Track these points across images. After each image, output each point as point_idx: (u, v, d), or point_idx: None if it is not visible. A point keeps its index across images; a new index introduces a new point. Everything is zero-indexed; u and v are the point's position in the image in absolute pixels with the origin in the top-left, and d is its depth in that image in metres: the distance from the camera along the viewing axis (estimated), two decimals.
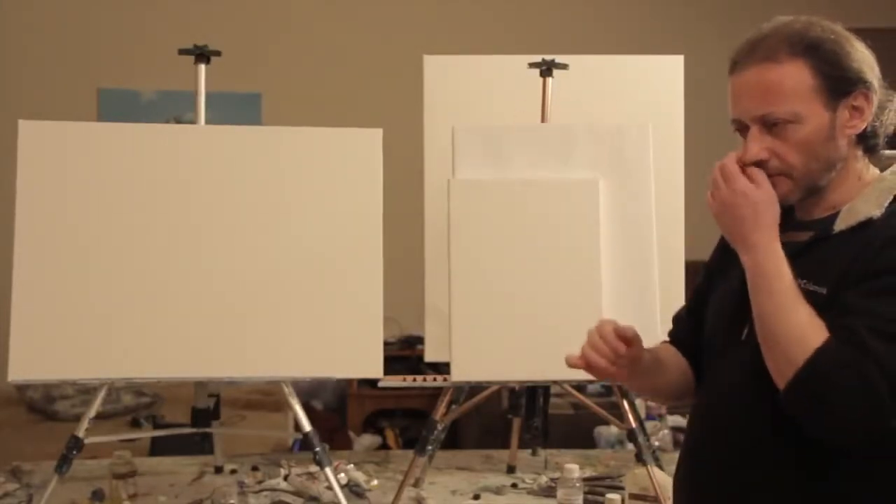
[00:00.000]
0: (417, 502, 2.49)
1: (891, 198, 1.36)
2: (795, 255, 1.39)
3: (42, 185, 2.33)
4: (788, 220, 1.47)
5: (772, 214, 1.36)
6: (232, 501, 2.41)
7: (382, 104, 4.25)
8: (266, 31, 5.19)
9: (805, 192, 1.41)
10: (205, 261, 2.36)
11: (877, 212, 1.35)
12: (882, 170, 1.42)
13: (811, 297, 1.32)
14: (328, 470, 2.33)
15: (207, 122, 2.50)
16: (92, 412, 2.31)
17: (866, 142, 1.41)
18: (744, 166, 1.38)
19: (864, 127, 1.39)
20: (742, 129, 1.41)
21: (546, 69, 2.60)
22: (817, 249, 1.38)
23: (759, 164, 1.39)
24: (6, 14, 5.02)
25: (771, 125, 1.37)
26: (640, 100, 2.70)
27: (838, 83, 1.37)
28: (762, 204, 1.35)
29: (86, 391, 3.91)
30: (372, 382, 3.74)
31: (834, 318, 1.28)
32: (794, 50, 1.37)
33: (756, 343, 1.39)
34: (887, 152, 1.44)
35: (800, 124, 1.36)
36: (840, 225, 1.37)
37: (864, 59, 1.39)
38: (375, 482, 2.58)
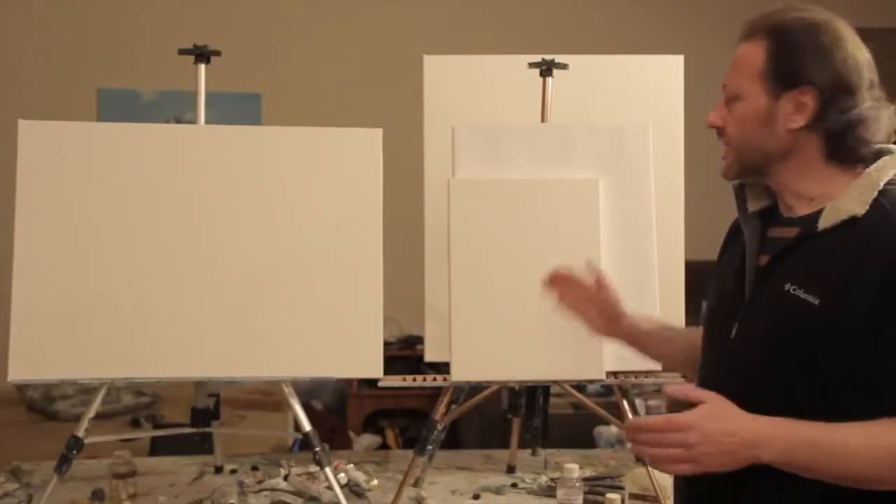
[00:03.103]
0: (417, 502, 2.49)
1: (875, 195, 1.35)
2: (783, 252, 1.39)
3: (42, 185, 2.33)
4: (774, 216, 1.47)
5: (723, 407, 1.30)
6: (232, 501, 2.41)
7: (382, 104, 4.25)
8: (266, 31, 5.20)
9: (742, 171, 1.45)
10: (204, 261, 2.36)
11: (860, 210, 1.34)
12: (866, 166, 1.40)
13: (800, 306, 1.32)
14: (328, 470, 2.33)
15: (207, 122, 2.50)
16: (92, 412, 2.31)
17: (831, 144, 1.39)
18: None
19: (802, 124, 1.37)
20: None
21: (546, 69, 2.60)
22: (804, 248, 1.37)
23: (718, 132, 1.46)
24: (6, 14, 5.03)
25: (728, 98, 1.43)
26: (640, 100, 2.70)
27: (786, 73, 1.37)
28: (709, 417, 1.27)
29: (86, 391, 3.91)
30: (372, 382, 3.73)
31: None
32: (765, 31, 1.40)
33: (743, 342, 1.40)
34: (878, 146, 1.42)
35: (740, 101, 1.41)
36: (824, 223, 1.36)
37: (843, 59, 1.36)
38: (375, 482, 2.58)
